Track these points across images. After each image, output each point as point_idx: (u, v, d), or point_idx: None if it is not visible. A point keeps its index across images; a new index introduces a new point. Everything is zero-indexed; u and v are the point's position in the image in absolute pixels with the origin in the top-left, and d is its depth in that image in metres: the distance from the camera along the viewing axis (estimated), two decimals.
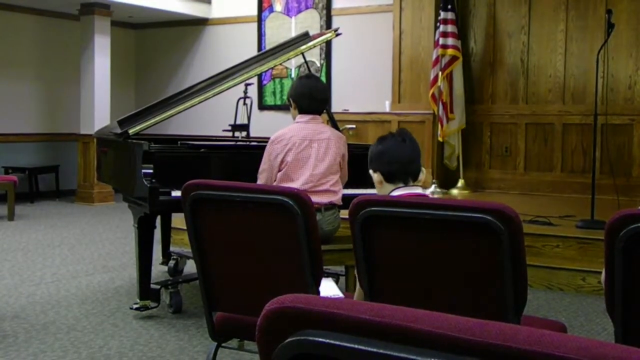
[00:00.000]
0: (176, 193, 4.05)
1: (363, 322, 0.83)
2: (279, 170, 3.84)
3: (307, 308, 0.86)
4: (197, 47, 11.09)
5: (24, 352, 3.77)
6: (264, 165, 3.89)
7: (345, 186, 4.13)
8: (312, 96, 3.95)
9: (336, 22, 9.40)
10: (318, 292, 2.52)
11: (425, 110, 8.15)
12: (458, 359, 0.75)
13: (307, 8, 9.87)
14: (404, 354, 0.78)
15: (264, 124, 9.39)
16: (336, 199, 3.93)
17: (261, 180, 3.90)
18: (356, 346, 0.81)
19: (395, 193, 2.57)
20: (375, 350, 0.80)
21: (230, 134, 8.50)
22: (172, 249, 5.77)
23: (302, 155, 3.82)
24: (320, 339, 0.83)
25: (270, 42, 9.86)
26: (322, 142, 3.87)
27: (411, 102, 8.39)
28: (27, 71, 10.46)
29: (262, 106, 10.27)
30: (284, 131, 3.91)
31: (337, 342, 0.82)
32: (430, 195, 6.57)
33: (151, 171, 4.18)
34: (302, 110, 3.95)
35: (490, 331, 0.76)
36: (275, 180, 3.86)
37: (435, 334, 0.78)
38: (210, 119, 9.89)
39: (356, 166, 4.21)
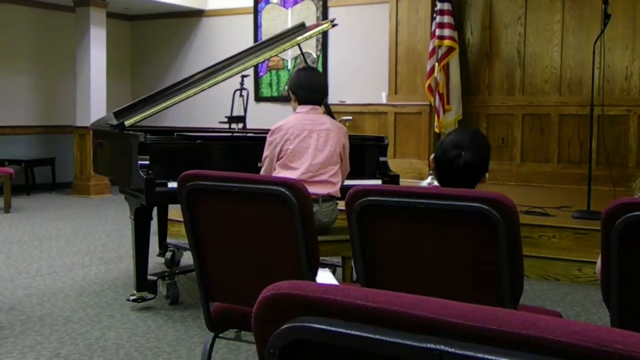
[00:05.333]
0: (172, 184, 4.04)
1: (359, 308, 0.83)
2: (278, 160, 3.85)
3: (303, 294, 0.86)
4: (193, 38, 11.06)
5: (21, 344, 3.77)
6: (265, 153, 3.92)
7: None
8: (311, 87, 3.96)
9: (332, 13, 9.38)
10: None
11: (421, 102, 8.15)
12: (454, 344, 0.75)
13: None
14: (400, 339, 0.78)
15: (260, 116, 9.37)
16: (334, 190, 3.92)
17: (263, 167, 3.94)
18: (352, 332, 0.81)
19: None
20: (371, 336, 0.80)
21: (226, 125, 8.48)
22: (168, 240, 5.77)
23: (301, 145, 3.83)
24: (316, 325, 0.83)
25: (266, 34, 9.83)
26: (321, 133, 3.88)
27: (408, 93, 8.39)
28: (22, 63, 10.42)
29: (259, 98, 10.25)
30: (283, 121, 3.92)
31: (333, 329, 0.82)
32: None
33: (147, 162, 4.18)
34: (302, 101, 3.96)
35: (486, 316, 0.76)
36: (275, 170, 3.87)
37: (431, 319, 0.78)
38: (206, 110, 9.88)
39: (354, 157, 4.21)
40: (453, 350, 0.74)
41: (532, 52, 8.20)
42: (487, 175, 2.52)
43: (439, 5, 7.90)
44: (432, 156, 2.55)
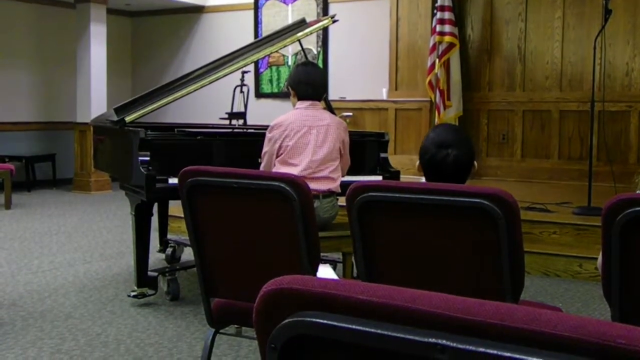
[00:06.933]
0: (173, 180, 4.04)
1: (360, 303, 0.83)
2: (278, 156, 3.85)
3: (304, 289, 0.86)
4: (194, 34, 11.06)
5: (22, 340, 3.77)
6: (265, 149, 3.92)
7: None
8: (310, 82, 3.96)
9: (333, 9, 9.37)
10: None
11: (422, 98, 8.14)
12: (455, 339, 0.75)
13: None
14: (402, 334, 0.78)
15: (260, 112, 9.37)
16: (334, 186, 3.92)
17: (262, 163, 3.94)
18: (353, 327, 0.81)
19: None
20: (372, 330, 0.80)
21: (227, 122, 8.48)
22: (169, 236, 5.77)
23: (301, 141, 3.82)
24: (317, 320, 0.83)
25: (266, 30, 9.82)
26: (321, 128, 3.87)
27: (408, 89, 8.38)
28: (23, 60, 10.42)
29: (259, 94, 10.24)
30: (283, 117, 3.91)
31: (335, 323, 0.82)
32: None
33: (148, 159, 4.18)
34: (301, 97, 3.95)
35: (487, 310, 0.76)
36: (274, 166, 3.87)
37: (433, 314, 0.78)
38: (207, 106, 9.87)
39: (354, 153, 4.21)
40: (454, 344, 0.74)
41: (533, 48, 8.19)
42: (475, 165, 2.50)
43: (439, 1, 7.88)
44: (417, 163, 2.53)
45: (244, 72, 8.32)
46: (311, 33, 5.05)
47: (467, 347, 0.74)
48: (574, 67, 7.97)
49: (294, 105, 4.01)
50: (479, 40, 8.49)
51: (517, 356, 0.71)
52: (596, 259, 2.21)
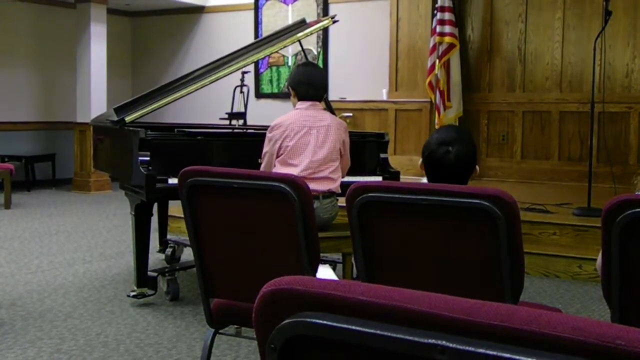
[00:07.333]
0: (173, 180, 4.04)
1: (360, 304, 0.83)
2: (278, 156, 3.85)
3: (304, 290, 0.86)
4: (194, 35, 11.06)
5: (22, 340, 3.77)
6: (265, 149, 3.92)
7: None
8: (310, 83, 3.96)
9: (333, 9, 9.37)
10: None
11: (422, 99, 8.14)
12: (455, 340, 0.75)
13: None
14: (401, 334, 0.78)
15: (260, 112, 9.36)
16: (334, 186, 3.92)
17: (263, 163, 3.94)
18: (353, 327, 0.81)
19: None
20: (372, 331, 0.80)
21: (227, 122, 8.48)
22: (169, 236, 5.77)
23: (301, 142, 3.82)
24: (317, 321, 0.83)
25: (267, 30, 9.82)
26: (321, 129, 3.87)
27: (408, 90, 8.38)
28: (23, 60, 10.42)
29: (259, 94, 10.24)
30: (283, 118, 3.91)
31: (334, 324, 0.82)
32: None
33: (148, 159, 4.18)
34: (302, 97, 3.95)
35: (487, 311, 0.76)
36: (274, 166, 3.87)
37: (432, 315, 0.78)
38: (207, 107, 9.87)
39: (354, 154, 4.21)
40: (454, 345, 0.74)
41: (533, 49, 8.19)
42: (477, 168, 2.51)
43: (439, 2, 7.88)
44: (420, 161, 2.54)
45: (244, 73, 8.31)
46: (311, 33, 5.05)
47: (467, 348, 0.74)
48: (574, 68, 7.97)
49: (294, 105, 4.01)
50: (479, 41, 8.49)
51: (517, 357, 0.71)
52: (596, 260, 2.21)
